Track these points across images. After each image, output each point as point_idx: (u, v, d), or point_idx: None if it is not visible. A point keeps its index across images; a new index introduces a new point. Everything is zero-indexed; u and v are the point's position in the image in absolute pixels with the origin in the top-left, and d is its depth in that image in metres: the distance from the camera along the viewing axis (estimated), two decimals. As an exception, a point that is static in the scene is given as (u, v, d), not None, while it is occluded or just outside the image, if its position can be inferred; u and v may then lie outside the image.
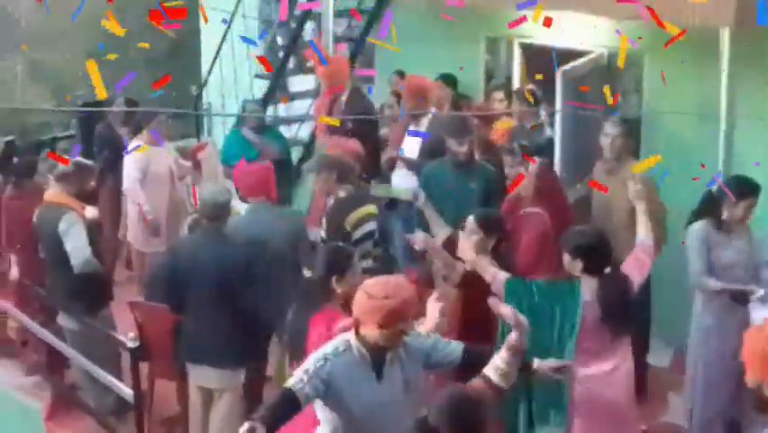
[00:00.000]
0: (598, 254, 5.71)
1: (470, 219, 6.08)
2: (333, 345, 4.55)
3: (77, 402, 7.54)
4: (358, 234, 6.79)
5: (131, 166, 8.43)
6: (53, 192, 7.28)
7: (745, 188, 6.29)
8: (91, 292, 7.14)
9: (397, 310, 4.39)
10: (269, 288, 6.44)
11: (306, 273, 6.35)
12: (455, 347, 4.75)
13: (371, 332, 4.42)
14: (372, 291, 4.43)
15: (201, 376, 6.56)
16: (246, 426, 4.09)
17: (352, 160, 7.16)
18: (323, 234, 6.91)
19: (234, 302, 6.31)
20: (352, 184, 6.98)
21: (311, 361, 4.46)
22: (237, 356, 6.37)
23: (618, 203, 7.02)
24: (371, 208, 6.95)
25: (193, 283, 6.41)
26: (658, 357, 7.75)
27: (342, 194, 6.91)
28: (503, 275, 5.76)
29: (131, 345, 6.48)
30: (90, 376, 7.12)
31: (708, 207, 6.47)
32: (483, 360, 4.61)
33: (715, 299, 6.45)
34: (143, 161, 8.38)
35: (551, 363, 4.75)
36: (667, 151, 7.76)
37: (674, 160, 7.64)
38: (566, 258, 5.74)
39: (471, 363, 4.68)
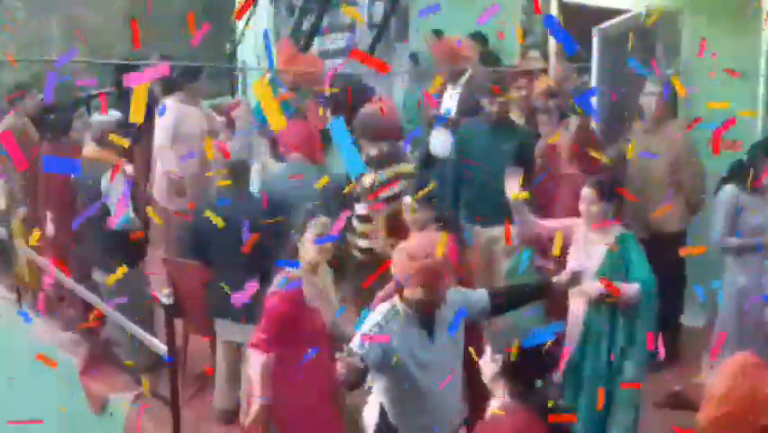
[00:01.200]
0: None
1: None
2: (381, 314, 4.53)
3: (112, 358, 7.60)
4: (386, 192, 6.68)
5: (161, 127, 8.44)
6: (93, 149, 7.30)
7: None
8: (127, 249, 7.17)
9: (440, 267, 4.37)
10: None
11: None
12: (482, 294, 4.75)
13: (416, 293, 4.41)
14: (414, 252, 4.42)
15: (226, 330, 6.63)
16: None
17: (381, 119, 7.11)
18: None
19: (253, 256, 6.32)
20: (387, 142, 6.91)
21: (366, 330, 4.45)
22: (250, 311, 6.35)
23: (656, 163, 6.97)
24: (406, 167, 6.87)
25: (215, 238, 6.47)
26: (692, 318, 7.71)
27: (372, 152, 6.81)
28: None
29: (165, 301, 6.51)
30: (124, 332, 7.17)
31: (738, 173, 6.42)
32: (511, 299, 4.63)
33: (744, 259, 6.45)
34: (174, 122, 8.38)
35: None
36: (705, 111, 7.68)
37: (713, 120, 7.56)
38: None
39: (500, 306, 4.71)
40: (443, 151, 8.06)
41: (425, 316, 4.53)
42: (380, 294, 4.96)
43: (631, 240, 5.86)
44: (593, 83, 7.97)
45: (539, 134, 7.36)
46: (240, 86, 12.47)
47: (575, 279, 5.35)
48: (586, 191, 5.85)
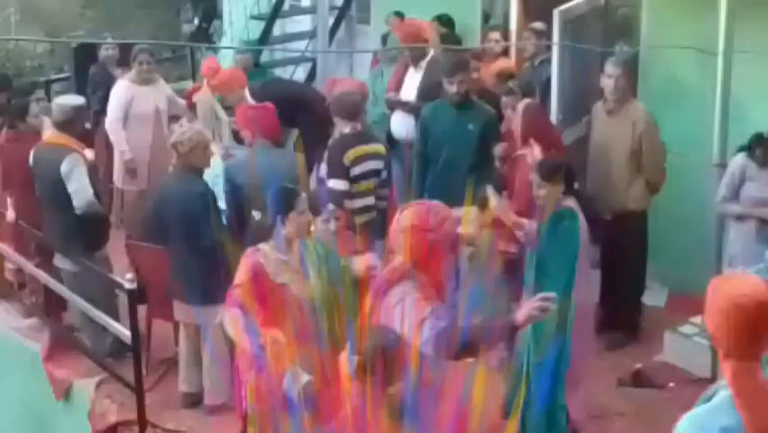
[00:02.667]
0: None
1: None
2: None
3: (75, 344, 7.56)
4: (357, 170, 6.77)
5: (112, 104, 8.47)
6: (53, 133, 7.24)
7: None
8: (89, 234, 7.13)
9: (453, 237, 4.37)
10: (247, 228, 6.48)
11: (255, 215, 6.37)
12: None
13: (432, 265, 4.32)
14: (431, 224, 4.28)
15: (186, 314, 6.65)
16: None
17: (358, 98, 7.17)
18: (324, 169, 6.94)
19: (200, 239, 6.34)
20: (359, 122, 6.96)
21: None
22: (207, 293, 6.33)
23: (618, 144, 7.02)
24: (377, 147, 6.93)
25: (167, 222, 6.49)
26: (653, 296, 7.79)
27: (345, 130, 6.88)
28: None
29: (128, 286, 6.48)
30: (88, 318, 7.13)
31: (754, 145, 6.51)
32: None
33: (740, 227, 6.52)
34: (126, 100, 8.41)
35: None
36: (665, 90, 7.76)
37: (672, 99, 7.64)
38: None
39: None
40: (402, 134, 8.07)
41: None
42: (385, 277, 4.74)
43: (566, 215, 5.85)
44: (554, 65, 7.99)
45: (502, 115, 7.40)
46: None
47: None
48: (532, 175, 5.96)
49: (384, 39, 10.45)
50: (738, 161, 6.53)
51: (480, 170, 6.94)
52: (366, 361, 3.84)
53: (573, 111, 7.95)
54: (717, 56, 6.48)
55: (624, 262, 7.30)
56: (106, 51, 9.81)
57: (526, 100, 7.05)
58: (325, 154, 6.98)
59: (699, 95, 7.27)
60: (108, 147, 8.93)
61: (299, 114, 8.33)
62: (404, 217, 4.32)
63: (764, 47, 6.60)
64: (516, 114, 6.91)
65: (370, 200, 6.85)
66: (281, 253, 5.29)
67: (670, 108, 7.45)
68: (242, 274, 5.20)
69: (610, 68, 7.09)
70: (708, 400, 3.26)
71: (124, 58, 9.04)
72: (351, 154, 6.76)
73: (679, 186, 7.26)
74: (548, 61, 8.27)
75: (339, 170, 6.73)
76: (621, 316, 7.42)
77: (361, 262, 5.35)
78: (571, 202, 5.93)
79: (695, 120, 7.04)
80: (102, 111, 9.09)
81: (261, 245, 5.32)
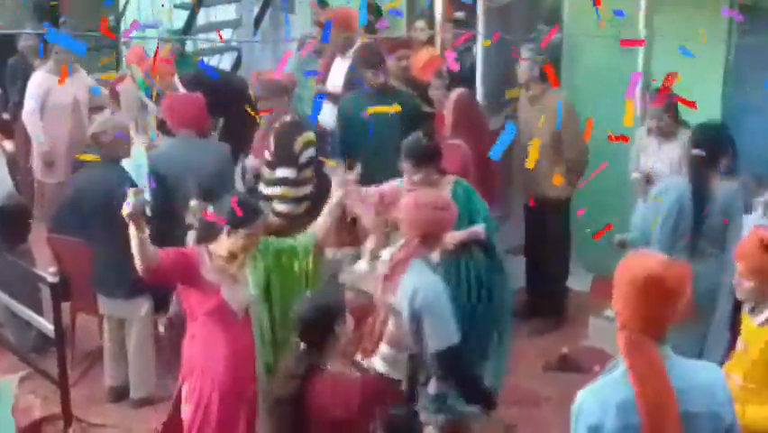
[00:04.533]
0: None
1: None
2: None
3: (-2, 339, 7.45)
4: (303, 158, 6.86)
5: (29, 93, 8.42)
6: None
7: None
8: (9, 227, 7.02)
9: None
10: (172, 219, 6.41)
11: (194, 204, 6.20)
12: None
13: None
14: (441, 204, 4.84)
15: (110, 307, 6.62)
16: None
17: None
18: (269, 157, 6.93)
19: (123, 231, 6.24)
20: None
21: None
22: (129, 286, 6.30)
23: (539, 131, 7.08)
24: (312, 135, 6.98)
25: (89, 213, 6.43)
26: (578, 281, 7.88)
27: (287, 118, 6.93)
28: None
29: (51, 280, 6.40)
30: (10, 312, 7.04)
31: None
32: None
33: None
34: (42, 90, 8.37)
35: None
36: (587, 77, 7.84)
37: (594, 86, 7.72)
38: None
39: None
40: (330, 123, 8.07)
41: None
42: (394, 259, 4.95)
43: (462, 183, 5.85)
44: (479, 52, 8.04)
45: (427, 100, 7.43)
46: (124, 59, 12.26)
47: None
48: (403, 163, 5.77)
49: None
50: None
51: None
52: None
53: (497, 99, 8.00)
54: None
55: (547, 248, 7.38)
56: (26, 42, 9.65)
57: (459, 90, 7.07)
58: (270, 142, 6.96)
59: (621, 82, 7.34)
60: (28, 139, 8.81)
61: (226, 103, 8.28)
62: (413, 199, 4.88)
63: (684, 34, 6.68)
64: (448, 102, 6.94)
65: (309, 189, 6.94)
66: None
67: (593, 96, 7.51)
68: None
69: (525, 53, 7.15)
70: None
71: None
72: (299, 142, 6.82)
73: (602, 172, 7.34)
74: (470, 49, 8.31)
75: (287, 158, 6.80)
76: (546, 302, 7.50)
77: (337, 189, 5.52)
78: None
79: (617, 107, 7.10)
80: (21, 102, 8.97)
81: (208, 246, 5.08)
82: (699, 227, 5.74)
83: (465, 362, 4.79)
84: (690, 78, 6.46)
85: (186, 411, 5.09)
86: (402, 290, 4.69)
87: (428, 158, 5.72)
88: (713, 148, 5.79)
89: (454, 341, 4.66)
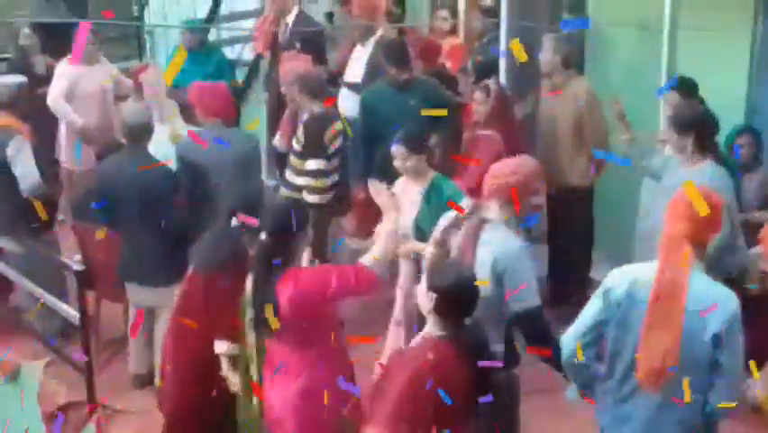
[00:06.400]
0: None
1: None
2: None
3: (23, 326, 7.49)
4: (332, 149, 6.97)
5: (57, 81, 8.41)
6: (-5, 115, 7.15)
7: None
8: (35, 215, 7.05)
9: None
10: (203, 207, 6.45)
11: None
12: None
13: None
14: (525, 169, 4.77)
15: (137, 295, 6.60)
16: None
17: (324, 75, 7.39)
18: (298, 147, 7.02)
19: (157, 221, 6.29)
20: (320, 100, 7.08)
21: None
22: (165, 274, 6.32)
23: (564, 120, 7.07)
24: (340, 124, 7.05)
25: (118, 203, 6.41)
26: (600, 272, 7.84)
27: (316, 109, 7.03)
28: None
29: (76, 267, 6.43)
30: (36, 299, 7.07)
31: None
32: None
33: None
34: (71, 79, 8.36)
35: None
36: (611, 66, 7.81)
37: (618, 74, 7.69)
38: None
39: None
40: (352, 112, 8.07)
41: None
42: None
43: (444, 179, 6.00)
44: (502, 41, 8.02)
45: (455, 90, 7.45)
46: (148, 49, 12.30)
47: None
48: (395, 148, 5.98)
49: (330, 17, 10.41)
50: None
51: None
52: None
53: (521, 88, 7.99)
54: (662, 33, 6.54)
55: (570, 236, 7.36)
56: (26, 41, 9.54)
57: (493, 83, 7.06)
58: (299, 134, 7.03)
59: (645, 72, 7.33)
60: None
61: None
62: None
63: (709, 24, 6.66)
64: (490, 97, 6.93)
65: (337, 177, 7.05)
66: None
67: (616, 85, 7.49)
68: None
69: (546, 42, 7.14)
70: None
71: (47, 45, 8.99)
72: (329, 133, 6.91)
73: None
74: (496, 39, 8.30)
75: (317, 149, 6.91)
76: (568, 290, 7.48)
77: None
78: None
79: (641, 97, 7.09)
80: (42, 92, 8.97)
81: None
82: None
83: (546, 324, 4.81)
84: (715, 66, 6.44)
85: None
86: (483, 253, 4.65)
87: (423, 147, 5.97)
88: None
89: (537, 303, 4.70)
